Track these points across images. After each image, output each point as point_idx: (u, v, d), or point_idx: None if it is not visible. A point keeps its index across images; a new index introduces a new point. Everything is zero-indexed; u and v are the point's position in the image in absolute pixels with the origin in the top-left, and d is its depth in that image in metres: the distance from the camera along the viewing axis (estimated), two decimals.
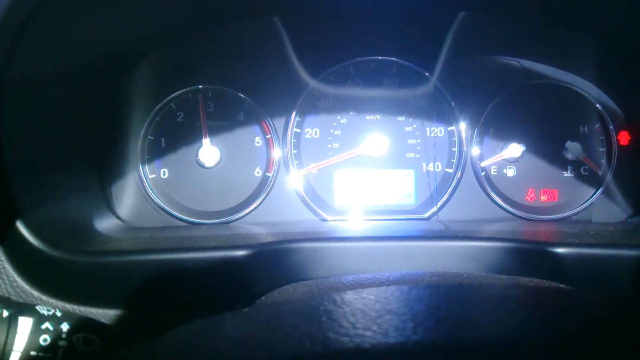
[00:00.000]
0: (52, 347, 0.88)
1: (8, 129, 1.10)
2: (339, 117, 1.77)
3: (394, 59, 1.76)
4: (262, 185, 1.73)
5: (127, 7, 1.26)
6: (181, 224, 1.71)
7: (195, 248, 1.29)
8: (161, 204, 1.70)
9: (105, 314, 1.26)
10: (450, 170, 1.76)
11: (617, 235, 1.52)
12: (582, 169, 1.75)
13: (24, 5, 0.94)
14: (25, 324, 0.89)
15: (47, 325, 0.90)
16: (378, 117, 1.77)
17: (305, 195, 1.73)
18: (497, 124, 1.76)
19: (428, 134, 1.77)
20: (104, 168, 1.62)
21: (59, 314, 0.93)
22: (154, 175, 1.72)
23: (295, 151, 1.75)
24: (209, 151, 1.70)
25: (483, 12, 1.60)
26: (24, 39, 1.00)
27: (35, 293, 1.19)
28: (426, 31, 1.69)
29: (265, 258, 1.28)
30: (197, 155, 1.70)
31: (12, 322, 0.87)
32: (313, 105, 1.76)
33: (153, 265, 1.26)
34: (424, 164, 1.77)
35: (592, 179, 1.75)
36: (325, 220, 1.74)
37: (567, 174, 1.76)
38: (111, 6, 1.21)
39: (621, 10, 1.38)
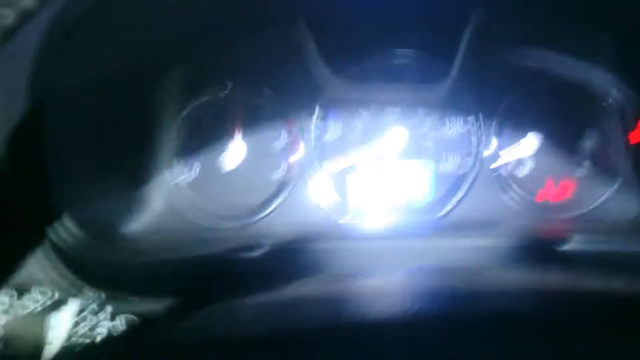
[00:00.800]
0: (98, 325, 0.95)
1: (51, 135, 1.16)
2: (358, 116, 1.80)
3: (413, 52, 1.79)
4: (283, 186, 1.78)
5: (159, 18, 1.32)
6: (201, 227, 1.76)
7: (215, 251, 1.35)
8: (182, 208, 1.76)
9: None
10: (467, 168, 1.79)
11: (631, 231, 1.56)
12: (597, 165, 1.77)
13: (67, 18, 1.01)
14: (74, 304, 0.95)
15: (93, 306, 0.96)
16: (397, 113, 1.80)
17: (322, 197, 1.77)
18: (515, 120, 1.78)
19: (448, 129, 1.80)
20: (132, 173, 1.69)
21: (103, 295, 0.99)
22: (180, 178, 1.77)
23: (318, 151, 1.79)
24: (231, 155, 1.77)
25: (500, 8, 1.62)
26: (69, 49, 1.07)
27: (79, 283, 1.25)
28: (445, 27, 1.70)
29: (283, 259, 1.33)
30: (220, 159, 1.77)
31: (63, 302, 0.94)
32: (334, 105, 1.80)
33: (181, 263, 1.32)
34: (441, 160, 1.80)
35: (607, 176, 1.76)
36: (341, 220, 1.77)
37: (582, 170, 1.77)
38: (148, 17, 1.27)
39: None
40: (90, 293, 1.02)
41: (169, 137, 1.76)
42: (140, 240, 1.57)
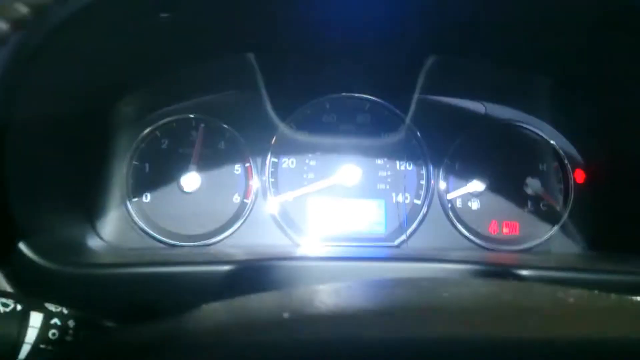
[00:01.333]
0: (60, 341, 0.94)
1: (10, 163, 1.17)
2: (314, 149, 1.88)
3: (367, 96, 1.90)
4: (240, 211, 1.81)
5: (113, 47, 1.34)
6: (162, 246, 1.78)
7: (180, 262, 1.36)
8: (143, 226, 1.77)
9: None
10: (419, 202, 1.86)
11: (577, 262, 1.64)
12: (541, 204, 1.87)
13: (22, 54, 1.02)
14: (36, 318, 0.94)
15: (55, 320, 0.95)
16: (351, 149, 1.88)
17: (280, 221, 1.82)
18: (463, 160, 1.89)
19: (398, 167, 1.89)
20: (91, 192, 1.69)
21: (65, 311, 0.98)
22: (136, 199, 1.79)
23: (273, 180, 1.84)
24: (191, 178, 1.79)
25: (450, 56, 1.72)
26: (24, 84, 1.08)
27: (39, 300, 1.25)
28: (398, 71, 1.83)
29: (244, 274, 1.35)
30: (179, 181, 1.79)
31: (24, 316, 0.92)
32: (290, 137, 1.87)
33: (139, 277, 1.32)
34: (394, 195, 1.88)
35: (551, 214, 1.87)
36: (299, 245, 1.82)
37: (528, 209, 1.87)
38: (98, 50, 1.29)
39: (578, 58, 1.52)
40: (52, 308, 1.02)
41: (128, 158, 1.78)
42: (99, 257, 1.57)
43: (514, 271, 1.32)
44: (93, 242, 1.65)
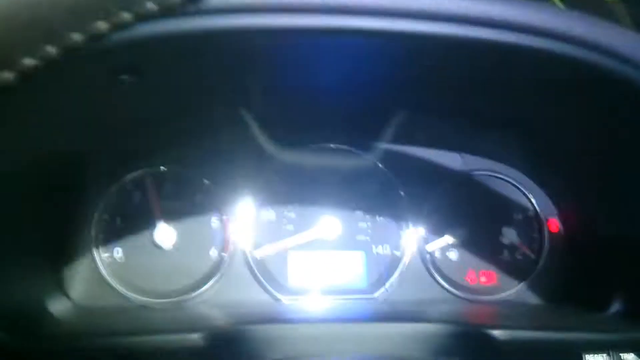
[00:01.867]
0: None
1: None
2: (293, 200, 1.85)
3: (344, 146, 1.89)
4: (217, 265, 1.76)
5: (72, 110, 1.29)
6: (134, 304, 1.70)
7: (150, 331, 1.31)
8: (114, 284, 1.69)
9: None
10: (398, 253, 1.85)
11: (547, 317, 1.67)
12: (517, 254, 1.90)
13: None
14: None
15: None
16: (331, 201, 1.86)
17: (259, 276, 1.77)
18: (440, 210, 1.89)
19: (377, 218, 1.88)
20: (56, 249, 1.61)
21: None
22: (107, 255, 1.71)
23: (252, 233, 1.79)
24: (164, 232, 1.73)
25: (421, 113, 1.73)
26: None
27: None
28: (374, 122, 1.81)
29: (219, 341, 1.31)
30: (152, 236, 1.72)
31: None
32: (268, 189, 1.83)
33: (107, 349, 1.26)
34: (374, 246, 1.87)
35: (527, 263, 1.89)
36: (278, 300, 1.77)
37: (504, 258, 1.89)
38: (54, 112, 1.24)
39: (548, 113, 1.56)
40: None
41: (96, 213, 1.70)
42: (68, 321, 1.48)
43: (487, 331, 1.36)
44: (59, 305, 1.55)
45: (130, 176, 1.75)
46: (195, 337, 1.30)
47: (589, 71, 1.03)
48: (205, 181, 1.78)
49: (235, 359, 1.30)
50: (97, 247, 1.70)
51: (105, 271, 1.69)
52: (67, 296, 1.61)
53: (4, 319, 1.24)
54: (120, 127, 1.60)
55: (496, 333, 1.35)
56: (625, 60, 1.02)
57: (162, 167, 1.77)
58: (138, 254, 1.73)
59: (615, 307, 1.56)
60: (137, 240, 1.73)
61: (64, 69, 0.96)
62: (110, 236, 1.72)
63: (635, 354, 1.36)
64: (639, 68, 1.04)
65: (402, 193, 1.86)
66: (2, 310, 1.26)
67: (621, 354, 1.36)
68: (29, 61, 0.65)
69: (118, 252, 1.72)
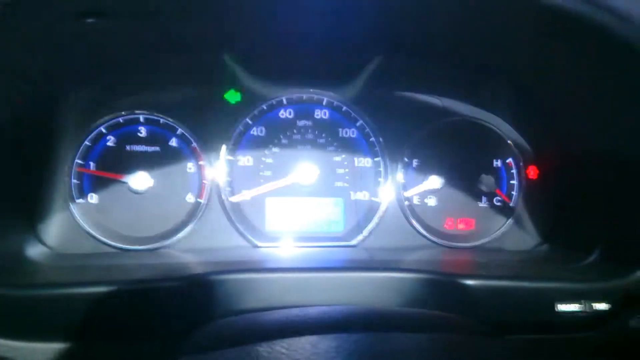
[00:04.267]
0: None
1: None
2: (271, 146, 1.82)
3: (324, 92, 1.84)
4: (194, 211, 1.75)
5: (42, 52, 1.25)
6: (110, 249, 1.69)
7: (124, 280, 1.29)
8: (90, 230, 1.67)
9: (42, 348, 1.24)
10: (376, 199, 1.85)
11: (521, 266, 1.68)
12: (495, 200, 1.90)
13: None
14: None
15: None
16: (309, 147, 1.84)
17: (236, 222, 1.76)
18: (420, 157, 1.88)
19: (356, 164, 1.86)
20: (30, 197, 1.59)
21: None
22: (82, 201, 1.69)
23: (228, 178, 1.78)
24: (139, 177, 1.70)
25: (400, 55, 1.70)
26: None
27: None
28: (352, 67, 1.79)
29: (195, 289, 1.30)
30: (127, 182, 1.70)
31: None
32: (246, 134, 1.81)
33: (82, 297, 1.25)
34: (352, 193, 1.86)
35: (504, 210, 1.90)
36: (256, 246, 1.77)
37: (482, 204, 1.90)
38: (24, 55, 1.20)
39: (530, 59, 1.53)
40: None
41: (71, 157, 1.67)
42: (44, 268, 1.47)
43: (460, 281, 1.37)
44: (35, 251, 1.55)
45: (104, 121, 1.71)
46: (171, 285, 1.29)
47: (574, 20, 1.03)
48: (181, 126, 1.75)
49: (212, 306, 1.30)
50: (72, 193, 1.67)
51: (81, 217, 1.67)
52: (43, 243, 1.60)
53: None
54: (91, 71, 1.56)
55: (470, 282, 1.36)
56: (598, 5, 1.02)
57: (136, 112, 1.73)
58: (113, 200, 1.71)
59: (593, 256, 1.58)
60: (112, 186, 1.71)
61: (29, 12, 0.92)
62: (85, 182, 1.70)
63: (608, 303, 1.39)
64: (613, 13, 1.04)
65: (380, 139, 1.84)
66: None
67: (594, 304, 1.38)
68: None
69: (92, 198, 1.70)
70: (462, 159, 1.89)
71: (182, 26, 1.38)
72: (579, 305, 1.37)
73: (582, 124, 1.62)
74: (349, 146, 1.86)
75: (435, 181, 1.85)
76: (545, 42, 1.32)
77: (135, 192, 1.70)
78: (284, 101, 1.82)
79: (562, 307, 1.37)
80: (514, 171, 1.90)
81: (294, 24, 1.43)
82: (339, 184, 1.85)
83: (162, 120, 1.74)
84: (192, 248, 1.73)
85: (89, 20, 1.18)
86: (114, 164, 1.71)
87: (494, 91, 1.84)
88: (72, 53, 1.36)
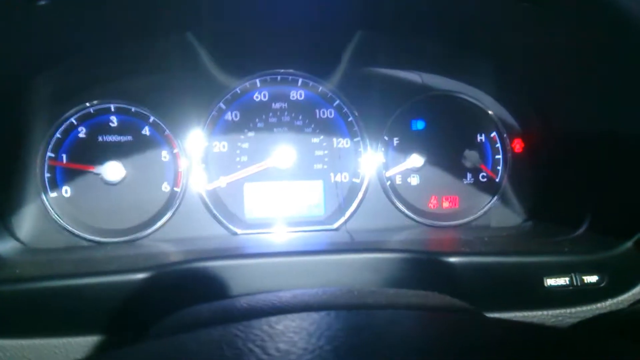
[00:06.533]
0: None
1: None
2: (246, 131, 1.78)
3: (298, 72, 1.79)
4: (170, 201, 1.71)
5: (18, 25, 1.21)
6: (85, 243, 1.66)
7: (93, 273, 1.26)
8: (64, 223, 1.64)
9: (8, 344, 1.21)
10: (357, 180, 1.80)
11: (508, 241, 1.64)
12: (480, 176, 1.85)
13: None
14: None
15: None
16: (285, 129, 1.80)
17: (214, 210, 1.73)
18: (400, 135, 1.83)
19: (335, 145, 1.82)
20: (2, 190, 1.54)
21: None
22: (55, 194, 1.65)
23: (204, 165, 1.74)
24: (112, 168, 1.66)
25: (380, 31, 1.65)
26: None
27: None
28: (328, 45, 1.73)
29: (168, 279, 1.27)
30: (101, 173, 1.66)
31: None
32: (220, 119, 1.76)
33: (50, 292, 1.22)
34: (332, 175, 1.81)
35: (490, 186, 1.85)
36: (235, 234, 1.73)
37: (467, 181, 1.85)
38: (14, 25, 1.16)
39: (506, 34, 1.49)
40: None
41: (41, 150, 1.64)
42: (17, 263, 1.44)
43: (445, 259, 1.33)
44: (5, 246, 1.51)
45: (74, 112, 1.66)
46: (149, 276, 1.25)
47: None
48: (153, 114, 1.70)
49: (192, 296, 1.26)
50: (44, 187, 1.64)
51: (54, 211, 1.64)
52: (17, 239, 1.57)
53: None
54: (53, 58, 1.51)
55: (454, 260, 1.32)
56: None
57: (107, 100, 1.69)
58: (87, 192, 1.67)
59: (582, 229, 1.54)
60: (85, 178, 1.67)
61: None
62: (58, 175, 1.66)
63: (597, 275, 1.35)
64: None
65: (359, 119, 1.79)
66: None
67: (583, 276, 1.34)
68: None
69: (67, 192, 1.66)
70: (445, 135, 1.83)
71: (143, 7, 1.34)
72: (569, 279, 1.33)
73: (567, 95, 1.57)
74: (327, 127, 1.81)
75: (416, 159, 1.80)
76: (528, 16, 1.27)
77: (110, 184, 1.66)
78: (258, 83, 1.77)
79: (551, 282, 1.32)
80: (498, 145, 1.85)
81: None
82: (318, 166, 1.80)
83: (133, 109, 1.70)
84: (170, 238, 1.69)
85: (41, 2, 1.15)
86: (86, 156, 1.67)
87: (476, 65, 1.76)
88: (30, 39, 1.32)
